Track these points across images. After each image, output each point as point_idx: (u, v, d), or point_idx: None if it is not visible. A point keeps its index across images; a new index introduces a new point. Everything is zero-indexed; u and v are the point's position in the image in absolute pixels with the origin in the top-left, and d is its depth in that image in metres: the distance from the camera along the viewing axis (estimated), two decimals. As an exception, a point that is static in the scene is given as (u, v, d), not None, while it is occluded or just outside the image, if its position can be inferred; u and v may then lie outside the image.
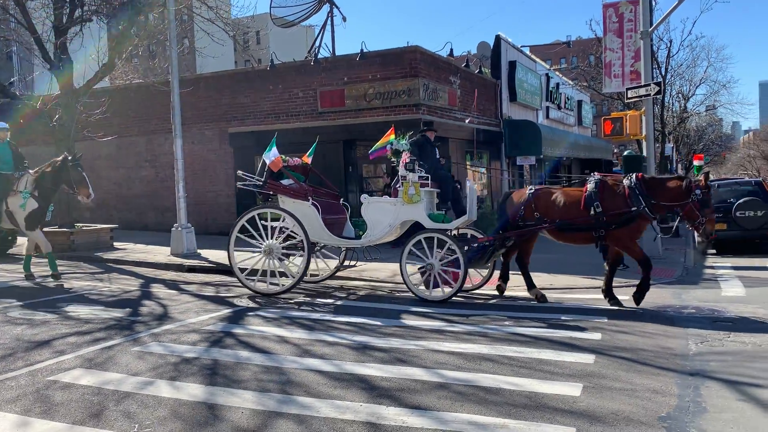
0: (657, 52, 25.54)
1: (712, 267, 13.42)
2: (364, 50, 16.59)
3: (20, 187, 10.68)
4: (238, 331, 7.33)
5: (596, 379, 5.37)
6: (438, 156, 10.39)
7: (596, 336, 6.92)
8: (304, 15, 20.72)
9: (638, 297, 8.58)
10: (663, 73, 24.48)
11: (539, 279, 11.10)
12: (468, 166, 20.02)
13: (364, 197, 10.04)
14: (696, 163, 10.02)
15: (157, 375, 5.61)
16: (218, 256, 14.21)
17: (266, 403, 4.91)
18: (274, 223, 9.86)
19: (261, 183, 10.00)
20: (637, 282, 8.62)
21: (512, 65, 23.69)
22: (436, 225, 9.46)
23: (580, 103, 34.82)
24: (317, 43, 19.71)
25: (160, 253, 14.53)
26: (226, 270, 12.66)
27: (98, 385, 5.33)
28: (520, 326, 7.47)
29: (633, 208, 8.41)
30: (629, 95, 14.61)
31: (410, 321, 7.84)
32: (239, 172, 10.74)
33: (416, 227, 9.80)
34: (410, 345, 6.60)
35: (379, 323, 7.73)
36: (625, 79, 16.43)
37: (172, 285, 10.98)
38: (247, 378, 5.53)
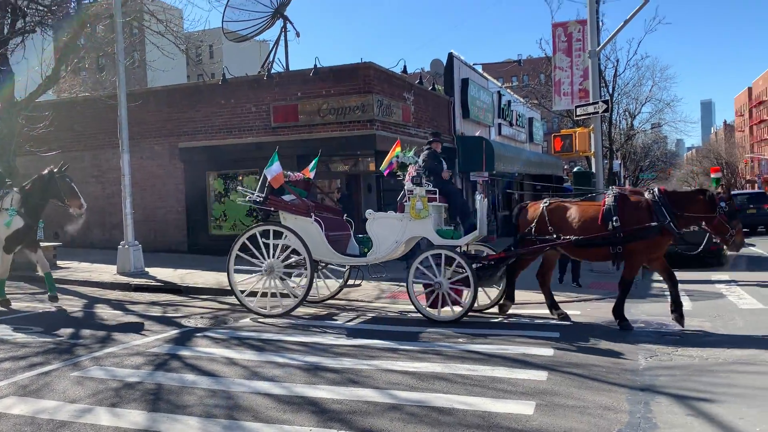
0: (605, 71, 26.28)
1: (659, 281, 13.68)
2: (318, 66, 16.53)
3: (5, 204, 10.13)
4: (184, 353, 7.08)
5: (549, 397, 5.35)
6: (446, 168, 9.94)
7: (549, 352, 6.93)
8: (257, 30, 20.54)
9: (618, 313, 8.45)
10: (610, 92, 25.17)
11: (494, 294, 11.17)
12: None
13: (369, 213, 9.62)
14: (713, 175, 9.92)
15: (96, 402, 5.34)
16: (167, 274, 13.83)
17: (211, 429, 4.71)
18: (276, 241, 9.40)
19: (261, 199, 9.54)
20: (584, 297, 8.72)
21: (465, 82, 23.98)
22: (445, 241, 9.09)
23: (531, 120, 35.51)
24: (271, 58, 19.57)
25: (106, 272, 14.04)
26: (174, 289, 12.32)
27: (32, 414, 5.03)
28: (474, 343, 7.43)
29: (655, 222, 8.16)
30: (578, 113, 14.92)
31: (363, 340, 7.72)
32: (239, 188, 10.46)
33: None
34: (363, 365, 6.48)
35: (331, 342, 7.58)
36: (574, 97, 16.83)
37: (117, 305, 10.60)
38: (193, 403, 5.31)
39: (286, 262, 9.45)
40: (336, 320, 9.24)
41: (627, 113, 36.58)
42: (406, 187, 9.24)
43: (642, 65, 62.46)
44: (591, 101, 14.71)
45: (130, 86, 16.67)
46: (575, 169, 16.51)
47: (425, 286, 9.17)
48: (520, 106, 33.61)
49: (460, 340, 7.65)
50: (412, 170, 9.22)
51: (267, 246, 9.42)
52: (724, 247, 9.35)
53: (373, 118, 16.14)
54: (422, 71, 22.92)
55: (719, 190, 8.59)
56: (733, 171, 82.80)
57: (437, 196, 9.18)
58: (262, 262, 9.41)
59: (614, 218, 8.28)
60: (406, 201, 9.20)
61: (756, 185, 73.57)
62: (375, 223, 9.42)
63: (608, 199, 8.55)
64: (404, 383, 5.81)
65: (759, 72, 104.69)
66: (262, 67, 19.58)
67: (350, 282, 10.52)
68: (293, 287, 9.78)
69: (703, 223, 8.33)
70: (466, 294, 8.76)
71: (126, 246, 13.86)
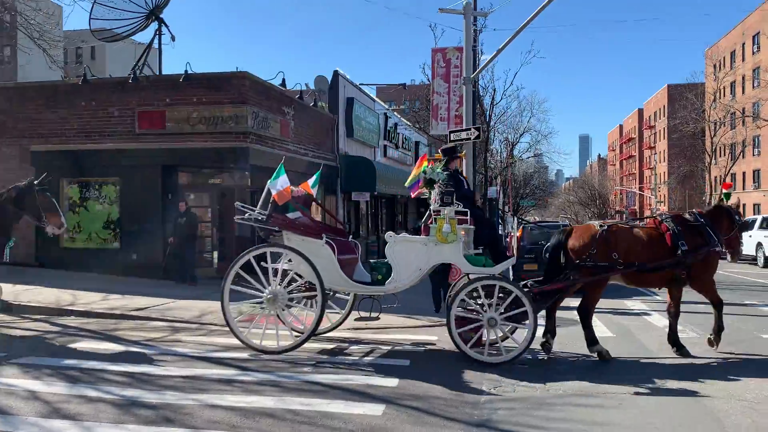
0: (483, 99, 27.10)
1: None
2: (189, 72, 15.66)
3: None
4: (-22, 385, 6.09)
5: (380, 435, 4.98)
6: (468, 188, 8.79)
7: (393, 382, 6.59)
8: (131, 30, 19.32)
9: (716, 339, 8.27)
10: (487, 120, 25.96)
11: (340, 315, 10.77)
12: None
13: (389, 235, 8.34)
14: (725, 191, 9.82)
15: None
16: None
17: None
18: (274, 265, 8.19)
19: (264, 216, 8.20)
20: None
21: (350, 102, 23.81)
22: (478, 269, 7.99)
23: (417, 144, 36.01)
24: (142, 61, 18.39)
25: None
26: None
27: None
28: (319, 373, 6.97)
29: (711, 245, 8.11)
30: (452, 138, 15.00)
31: (198, 369, 7.03)
32: (237, 204, 8.92)
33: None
34: (187, 399, 5.82)
35: (161, 372, 6.84)
36: (450, 123, 16.99)
37: None
38: (-41, 450, 4.45)
39: (291, 290, 8.25)
40: (181, 349, 8.46)
41: (507, 142, 38.15)
42: (432, 207, 8.21)
43: (519, 96, 65.89)
44: (464, 127, 14.85)
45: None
46: (448, 194, 16.57)
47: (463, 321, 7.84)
48: (407, 130, 34.03)
49: (305, 369, 7.16)
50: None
51: (265, 271, 8.19)
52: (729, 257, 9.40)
53: (247, 130, 15.46)
54: (306, 87, 22.43)
55: (731, 203, 8.78)
56: (604, 201, 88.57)
57: (467, 218, 8.04)
58: (262, 290, 8.16)
59: (681, 241, 8.05)
60: (431, 223, 8.06)
61: (624, 215, 79.11)
62: (396, 248, 8.15)
63: (669, 223, 8.28)
64: (225, 422, 5.23)
65: (629, 111, 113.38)
66: (132, 70, 18.33)
67: (365, 314, 9.17)
68: (290, 320, 8.56)
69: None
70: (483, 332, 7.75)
71: (-48, 257, 12.23)
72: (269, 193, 8.33)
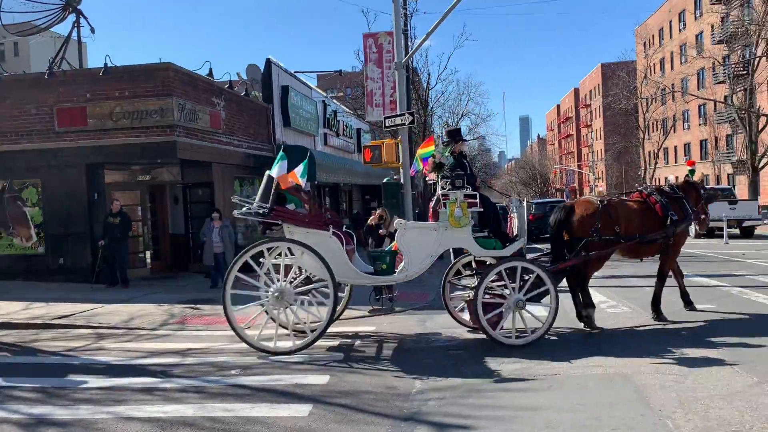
0: (419, 84, 27.01)
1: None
2: (110, 65, 14.93)
3: None
4: None
5: (303, 438, 4.78)
6: (472, 172, 8.56)
7: (324, 379, 6.40)
8: (47, 23, 18.38)
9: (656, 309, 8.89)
10: (424, 104, 25.91)
11: None
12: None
13: (399, 222, 8.13)
14: (689, 167, 10.27)
15: None
16: None
17: None
18: (275, 261, 7.79)
19: (266, 210, 7.70)
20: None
21: (285, 90, 23.28)
22: (490, 252, 7.98)
23: (359, 131, 35.71)
24: (60, 55, 17.47)
25: None
26: None
27: None
28: (247, 375, 6.71)
29: (688, 215, 8.87)
30: (387, 124, 14.87)
31: (118, 379, 6.66)
32: (234, 198, 8.34)
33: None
34: (102, 413, 5.48)
35: (77, 385, 6.45)
36: (385, 108, 16.84)
37: None
38: None
39: (298, 287, 7.80)
40: (104, 357, 8.03)
41: (446, 126, 38.20)
42: (439, 191, 8.00)
43: (455, 80, 66.25)
44: (398, 113, 14.70)
45: None
46: (384, 180, 16.46)
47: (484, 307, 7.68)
48: (348, 117, 33.67)
49: (233, 372, 6.88)
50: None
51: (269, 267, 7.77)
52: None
53: (174, 123, 14.87)
54: (238, 76, 21.81)
55: (696, 179, 9.60)
56: (545, 180, 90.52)
57: (477, 201, 7.94)
58: (266, 288, 7.75)
59: (671, 213, 8.69)
60: (440, 207, 7.92)
61: (564, 193, 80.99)
62: (407, 235, 7.97)
63: (657, 196, 8.89)
64: (140, 435, 4.93)
65: (566, 90, 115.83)
66: (49, 65, 17.40)
67: (377, 307, 9.08)
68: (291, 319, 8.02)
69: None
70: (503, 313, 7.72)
71: None
72: (269, 183, 7.85)
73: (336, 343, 8.28)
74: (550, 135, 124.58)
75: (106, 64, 14.93)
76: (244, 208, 8.00)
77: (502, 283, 7.75)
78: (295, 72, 25.69)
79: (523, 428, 4.86)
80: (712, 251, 18.29)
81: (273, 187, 7.75)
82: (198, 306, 11.67)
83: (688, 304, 9.37)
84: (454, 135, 8.72)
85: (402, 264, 8.00)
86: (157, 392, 6.14)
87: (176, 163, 16.99)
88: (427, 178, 9.19)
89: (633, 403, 5.30)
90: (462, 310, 8.91)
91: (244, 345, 8.28)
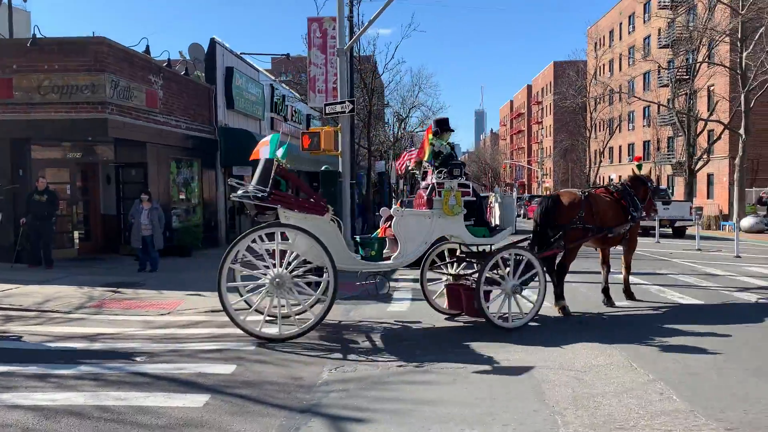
0: (365, 73, 26.83)
1: (396, 279, 13.92)
2: (38, 35, 14.28)
3: None
4: None
5: (192, 429, 4.66)
6: (460, 162, 8.79)
7: (229, 369, 6.27)
8: (-25, -13, 17.47)
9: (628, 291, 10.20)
10: (370, 93, 25.76)
11: (203, 299, 10.35)
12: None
13: (396, 210, 8.29)
14: (636, 162, 11.08)
15: None
16: None
17: None
18: (269, 245, 7.60)
19: (265, 194, 7.47)
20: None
21: (230, 71, 22.79)
22: (479, 240, 8.41)
23: (309, 117, 35.33)
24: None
25: None
26: None
27: None
28: (153, 362, 6.53)
29: (638, 209, 9.89)
30: (327, 111, 14.67)
31: (17, 366, 6.38)
32: (231, 180, 7.96)
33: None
34: (-16, 401, 5.22)
35: (-33, 370, 6.15)
36: (328, 95, 16.64)
37: None
38: None
39: (295, 273, 7.62)
40: (3, 343, 7.69)
41: (397, 116, 38.19)
42: (434, 180, 8.24)
43: (402, 70, 65.98)
44: (339, 100, 14.53)
45: None
46: (323, 168, 16.30)
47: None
48: (297, 103, 33.24)
49: (139, 359, 6.68)
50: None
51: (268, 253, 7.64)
52: None
53: (105, 100, 14.37)
54: (180, 55, 21.24)
55: (643, 173, 10.68)
56: (496, 175, 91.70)
57: (470, 190, 8.38)
58: (264, 274, 7.52)
59: (633, 207, 9.73)
60: (435, 195, 8.18)
61: (513, 188, 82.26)
62: (402, 222, 8.14)
63: (623, 190, 9.88)
64: (20, 424, 4.72)
65: (519, 86, 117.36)
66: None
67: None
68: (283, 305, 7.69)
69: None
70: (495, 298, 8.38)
71: None
72: (269, 167, 7.61)
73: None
74: (503, 130, 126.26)
75: (34, 34, 14.31)
76: (240, 191, 7.72)
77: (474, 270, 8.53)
78: (241, 53, 25.20)
79: (415, 422, 4.86)
80: (643, 250, 18.82)
81: (273, 171, 7.55)
82: (121, 290, 11.34)
83: (609, 299, 9.74)
84: (444, 124, 8.85)
85: (398, 250, 8.15)
86: (51, 379, 5.91)
87: (109, 142, 16.44)
88: (409, 167, 9.51)
89: (529, 398, 5.37)
90: (441, 296, 9.41)
91: (157, 331, 8.11)
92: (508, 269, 8.09)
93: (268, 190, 7.51)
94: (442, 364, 6.48)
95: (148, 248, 13.65)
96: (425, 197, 8.44)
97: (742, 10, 29.67)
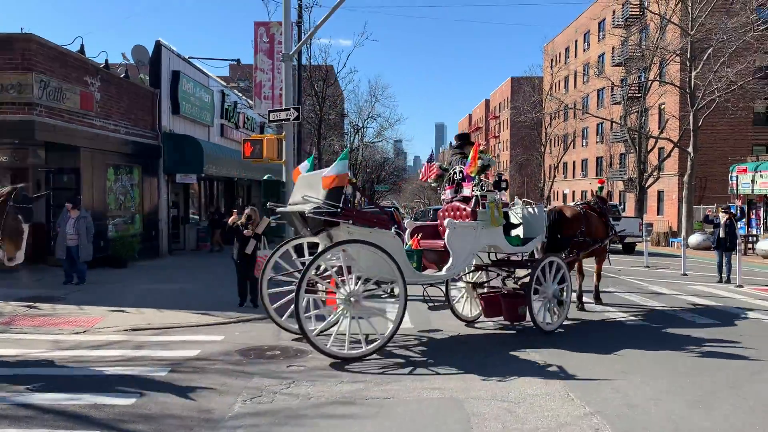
0: (318, 81, 26.31)
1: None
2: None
3: None
4: None
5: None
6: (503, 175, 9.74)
7: (130, 400, 5.64)
8: None
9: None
10: (320, 101, 25.24)
11: (141, 317, 9.68)
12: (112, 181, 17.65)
13: (450, 222, 8.38)
14: (600, 185, 11.64)
15: None
16: None
17: None
18: (332, 263, 7.70)
19: (339, 209, 7.34)
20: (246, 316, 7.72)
21: (176, 75, 22.00)
22: (515, 249, 9.05)
23: (263, 125, 34.53)
24: None
25: None
26: None
27: None
28: (44, 392, 5.84)
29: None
30: (271, 118, 14.10)
31: None
32: (304, 195, 7.48)
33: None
34: None
35: None
36: (274, 101, 16.09)
37: None
38: None
39: (366, 290, 7.57)
40: None
41: (353, 126, 37.72)
42: (478, 192, 8.59)
43: (354, 79, 65.95)
44: (283, 107, 13.99)
45: None
46: (265, 177, 15.69)
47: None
48: (250, 109, 32.45)
49: (30, 386, 5.98)
50: (490, 173, 8.96)
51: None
52: None
53: (33, 101, 13.49)
54: (123, 56, 20.36)
55: (604, 194, 11.88)
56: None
57: (507, 202, 9.42)
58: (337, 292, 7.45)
59: (612, 223, 11.19)
60: (479, 208, 8.53)
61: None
62: (455, 234, 8.33)
63: (601, 208, 11.16)
64: None
65: (478, 101, 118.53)
66: None
67: (437, 303, 9.23)
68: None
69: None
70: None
71: None
72: (340, 185, 7.41)
73: (177, 354, 7.51)
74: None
75: (-46, 28, 13.34)
76: (310, 206, 7.41)
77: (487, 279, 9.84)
78: (190, 57, 24.39)
79: (325, 466, 4.34)
80: (592, 266, 18.73)
81: (343, 188, 7.56)
82: (37, 304, 10.53)
83: (581, 303, 10.91)
84: (467, 138, 9.66)
85: (450, 261, 8.27)
86: None
87: (39, 145, 15.50)
88: (430, 181, 9.65)
89: (455, 435, 4.92)
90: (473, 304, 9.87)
91: (65, 353, 7.41)
92: (550, 276, 8.93)
93: (339, 205, 7.40)
94: (369, 392, 5.99)
95: (74, 259, 12.80)
96: (466, 209, 8.67)
97: (691, 31, 30.28)
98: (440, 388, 6.16)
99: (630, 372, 6.81)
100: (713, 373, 6.83)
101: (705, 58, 30.02)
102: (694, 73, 30.95)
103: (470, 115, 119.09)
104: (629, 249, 26.60)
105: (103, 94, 16.89)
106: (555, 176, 59.50)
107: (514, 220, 9.68)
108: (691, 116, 31.47)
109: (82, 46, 15.74)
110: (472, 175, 8.70)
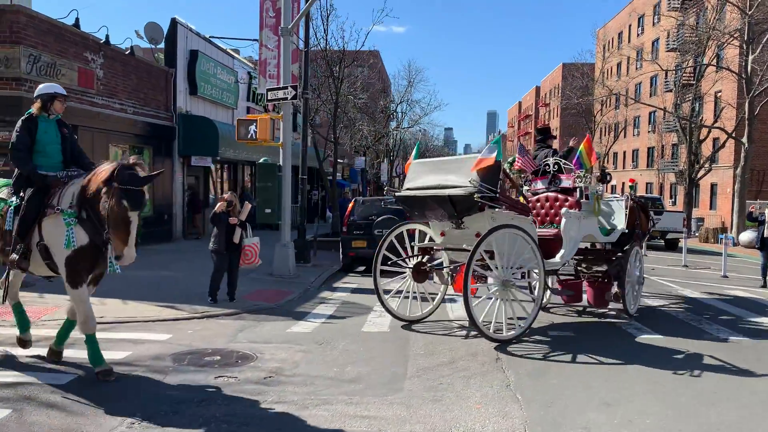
0: (331, 60, 25.16)
1: (335, 290, 12.41)
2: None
3: (63, 202, 5.74)
4: None
5: None
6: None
7: (2, 413, 4.79)
8: None
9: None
10: (337, 83, 24.12)
11: (99, 309, 8.87)
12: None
13: (566, 211, 8.70)
14: (631, 184, 11.41)
15: None
16: None
17: None
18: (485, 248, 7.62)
19: (496, 193, 7.61)
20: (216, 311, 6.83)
21: (194, 54, 21.36)
22: (605, 238, 9.49)
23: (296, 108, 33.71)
24: None
25: None
26: None
27: None
28: None
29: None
30: (269, 97, 13.22)
31: None
32: (472, 180, 7.51)
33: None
34: None
35: None
36: (280, 81, 15.08)
37: None
38: None
39: (516, 274, 7.87)
40: None
41: (383, 111, 36.28)
42: (581, 184, 8.84)
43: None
44: (281, 85, 13.05)
45: None
46: (261, 160, 14.81)
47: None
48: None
49: None
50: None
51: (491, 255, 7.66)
52: None
53: (21, 76, 12.95)
54: (137, 34, 19.77)
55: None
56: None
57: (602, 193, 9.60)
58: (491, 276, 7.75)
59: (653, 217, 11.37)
60: (584, 199, 8.91)
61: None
62: (569, 223, 8.66)
63: (643, 203, 11.02)
64: None
65: (528, 88, 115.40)
66: None
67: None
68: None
69: None
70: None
71: None
72: (498, 168, 7.71)
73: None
74: (511, 131, 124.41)
75: (-60, -1, 12.88)
76: (464, 190, 7.55)
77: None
78: (211, 37, 23.71)
79: None
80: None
81: (501, 172, 7.87)
82: None
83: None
84: (547, 132, 10.17)
85: (562, 249, 8.52)
86: None
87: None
88: (513, 172, 9.57)
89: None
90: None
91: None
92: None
93: (496, 189, 7.58)
94: (306, 413, 4.96)
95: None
96: (568, 199, 8.90)
97: (749, 10, 27.83)
98: (368, 424, 5.07)
99: (620, 401, 5.58)
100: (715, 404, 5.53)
101: (765, 40, 27.58)
102: (751, 57, 28.50)
103: (520, 103, 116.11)
104: (672, 246, 24.74)
105: (107, 72, 16.30)
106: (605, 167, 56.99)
107: (606, 210, 9.87)
108: (747, 104, 29.06)
109: (77, 19, 15.06)
110: (586, 167, 8.88)
